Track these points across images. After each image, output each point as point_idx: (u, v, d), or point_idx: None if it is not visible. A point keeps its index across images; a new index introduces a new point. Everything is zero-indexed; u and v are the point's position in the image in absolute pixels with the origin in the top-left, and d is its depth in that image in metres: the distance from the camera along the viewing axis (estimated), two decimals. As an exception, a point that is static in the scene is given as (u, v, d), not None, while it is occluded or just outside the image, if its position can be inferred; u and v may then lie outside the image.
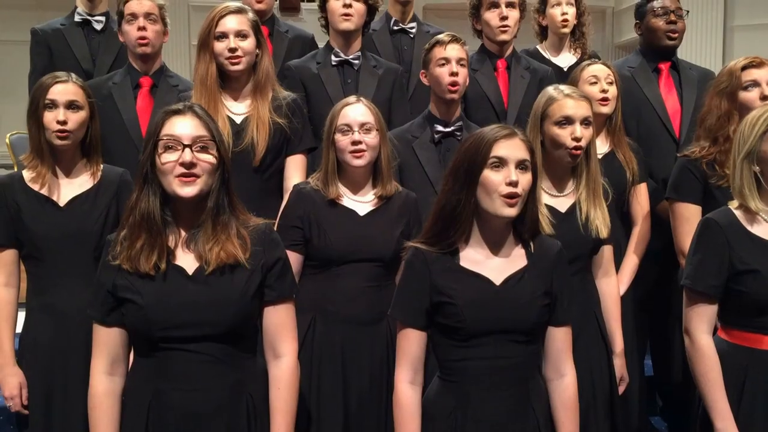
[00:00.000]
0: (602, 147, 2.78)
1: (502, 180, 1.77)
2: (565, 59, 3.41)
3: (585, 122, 2.28)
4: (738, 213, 2.04)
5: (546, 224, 2.26)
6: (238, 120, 2.52)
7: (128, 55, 2.90)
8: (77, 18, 3.31)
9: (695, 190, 2.53)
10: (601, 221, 2.33)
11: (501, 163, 1.78)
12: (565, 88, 2.35)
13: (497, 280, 1.84)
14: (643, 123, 3.06)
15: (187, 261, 1.75)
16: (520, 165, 1.79)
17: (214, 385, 1.73)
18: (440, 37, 2.70)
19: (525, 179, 1.79)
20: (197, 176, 1.71)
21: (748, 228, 2.01)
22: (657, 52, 3.13)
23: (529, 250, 1.89)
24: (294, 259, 2.30)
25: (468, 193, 1.80)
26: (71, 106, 2.26)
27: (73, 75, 2.33)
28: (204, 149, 1.73)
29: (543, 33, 3.50)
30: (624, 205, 2.80)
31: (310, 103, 2.89)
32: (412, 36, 3.38)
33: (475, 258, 1.85)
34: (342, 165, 2.34)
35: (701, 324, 2.03)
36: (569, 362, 1.93)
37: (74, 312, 2.20)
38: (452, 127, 2.69)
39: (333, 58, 2.97)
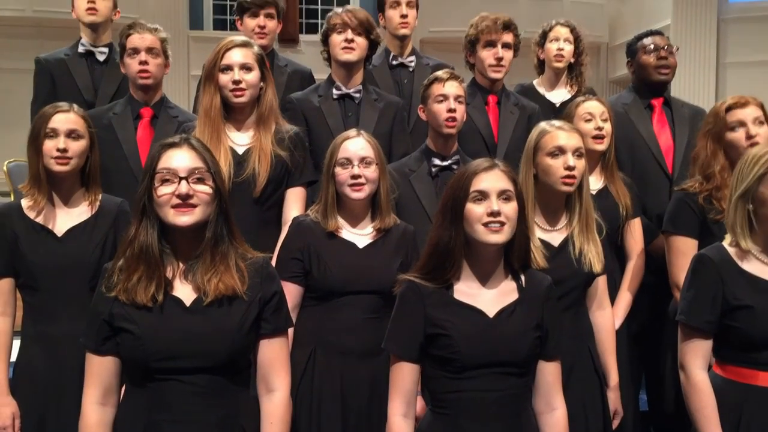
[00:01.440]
0: (596, 183, 2.81)
1: (484, 211, 1.81)
2: (558, 95, 3.46)
3: (577, 153, 2.32)
4: (731, 250, 2.06)
5: (540, 257, 2.29)
6: (241, 151, 2.55)
7: (129, 86, 2.94)
8: (81, 49, 3.36)
9: (692, 223, 2.56)
10: (594, 255, 2.36)
11: (482, 195, 1.83)
12: (557, 122, 2.42)
13: (490, 312, 1.87)
14: (637, 159, 3.10)
15: (184, 292, 1.76)
16: (502, 195, 1.83)
17: (206, 417, 1.73)
18: (439, 74, 2.75)
19: (508, 208, 1.83)
20: (194, 206, 1.73)
21: (741, 265, 2.03)
22: (649, 88, 3.19)
23: (520, 284, 1.92)
24: (294, 291, 2.32)
25: (456, 228, 1.85)
26: (72, 134, 2.29)
27: (75, 105, 2.36)
28: (200, 180, 1.75)
29: (541, 67, 3.55)
30: (618, 240, 2.82)
31: (312, 135, 2.92)
32: (411, 69, 3.44)
33: (468, 291, 1.88)
34: (341, 198, 2.36)
35: (696, 359, 2.04)
36: (560, 396, 1.96)
37: (69, 341, 2.19)
38: (449, 161, 2.73)
39: (334, 91, 3.01)
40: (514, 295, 1.90)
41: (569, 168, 2.29)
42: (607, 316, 2.49)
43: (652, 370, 3.07)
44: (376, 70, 3.38)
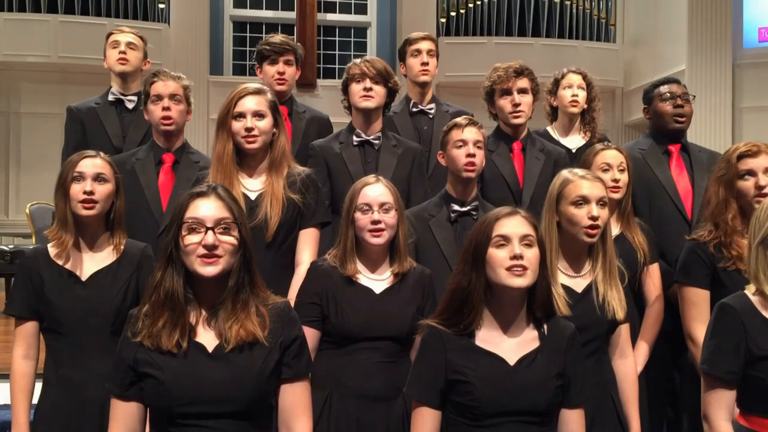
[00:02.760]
0: (613, 230, 2.80)
1: (507, 255, 1.84)
2: (573, 141, 3.49)
3: (601, 203, 2.32)
4: (754, 298, 2.05)
5: (563, 305, 2.28)
6: (253, 196, 2.58)
7: (152, 132, 3.00)
8: (111, 97, 3.45)
9: (703, 274, 2.56)
10: (617, 302, 2.35)
11: (505, 240, 1.86)
12: (579, 171, 2.42)
13: (511, 360, 1.87)
14: (655, 204, 3.10)
15: (207, 339, 1.78)
16: (524, 240, 1.86)
17: None
18: (458, 120, 2.79)
19: (530, 253, 1.85)
20: (219, 257, 1.76)
21: (764, 313, 2.02)
22: (666, 135, 3.20)
23: (542, 331, 1.93)
24: (311, 335, 2.33)
25: (477, 274, 1.87)
26: (98, 178, 2.33)
27: (101, 152, 2.41)
28: (226, 231, 1.78)
29: (554, 114, 3.59)
30: (636, 286, 2.81)
31: (333, 181, 2.99)
32: (431, 116, 3.49)
33: (490, 338, 1.89)
34: (360, 243, 2.38)
35: (719, 410, 2.02)
36: None
37: (90, 385, 2.22)
38: (468, 207, 2.74)
39: (354, 138, 3.06)
40: (535, 343, 1.91)
41: (593, 218, 2.29)
42: (630, 365, 2.47)
43: (673, 418, 3.03)
44: (397, 116, 3.43)
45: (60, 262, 2.33)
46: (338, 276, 2.36)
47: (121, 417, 1.79)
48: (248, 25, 11.51)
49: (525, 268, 1.84)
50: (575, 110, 3.47)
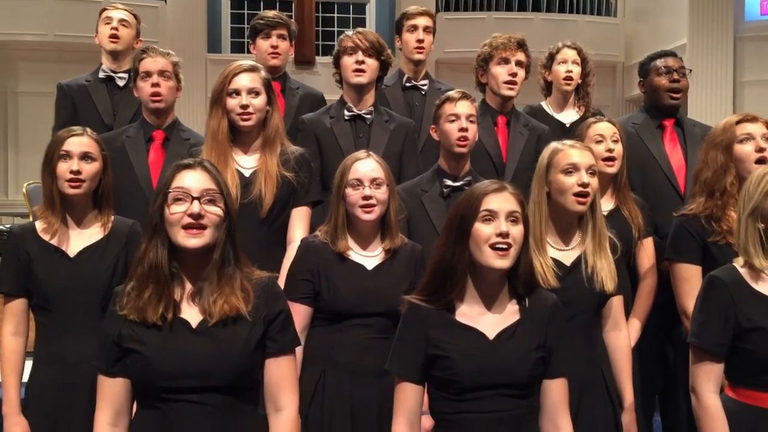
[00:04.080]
0: (607, 204, 2.80)
1: (493, 232, 1.82)
2: (568, 116, 3.46)
3: (590, 171, 2.31)
4: (743, 270, 2.04)
5: (551, 277, 2.28)
6: (247, 173, 2.57)
7: (142, 110, 2.98)
8: (101, 74, 3.42)
9: (693, 250, 2.55)
10: (606, 274, 2.34)
11: (492, 215, 1.84)
12: (568, 141, 2.42)
13: (491, 334, 1.87)
14: (648, 179, 3.08)
15: (191, 314, 1.78)
16: (511, 216, 1.84)
17: None
18: (451, 93, 2.76)
19: (516, 230, 1.84)
20: (204, 227, 1.75)
21: (754, 285, 2.02)
22: (660, 109, 3.18)
23: (524, 304, 1.92)
24: (303, 311, 2.34)
25: (461, 248, 1.85)
26: (85, 157, 2.32)
27: (89, 129, 2.40)
28: (212, 202, 1.77)
29: (548, 89, 3.56)
30: (630, 260, 2.80)
31: (323, 156, 2.95)
32: (423, 93, 3.46)
33: (470, 313, 1.89)
34: (351, 219, 2.37)
35: (708, 383, 2.02)
36: (565, 416, 1.95)
37: (80, 362, 2.22)
38: (461, 182, 2.73)
39: (346, 112, 3.03)
40: (516, 316, 1.91)
41: (583, 185, 2.28)
42: (623, 337, 2.46)
43: (666, 392, 3.04)
44: (389, 90, 3.41)
45: (47, 239, 2.33)
46: (329, 252, 2.35)
47: (108, 394, 1.79)
48: (246, 2, 11.44)
49: (509, 246, 1.82)
50: (569, 87, 3.45)
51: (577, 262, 2.35)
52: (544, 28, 10.87)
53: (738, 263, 2.07)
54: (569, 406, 2.25)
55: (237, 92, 2.54)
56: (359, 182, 2.33)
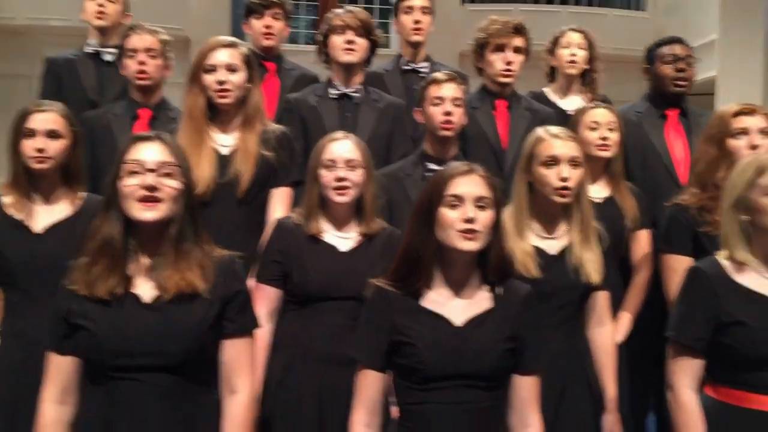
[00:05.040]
0: (601, 192, 2.72)
1: (459, 217, 1.73)
2: (571, 102, 3.34)
3: (573, 162, 2.22)
4: (726, 263, 1.95)
5: (533, 267, 2.20)
6: (225, 152, 2.51)
7: (129, 88, 2.94)
8: (88, 49, 3.37)
9: (685, 241, 2.45)
10: (592, 266, 2.26)
11: (458, 200, 1.75)
12: (553, 129, 2.32)
13: (458, 321, 1.79)
14: (648, 170, 2.98)
15: (145, 289, 1.73)
16: (479, 202, 1.75)
17: (164, 418, 1.69)
18: (436, 75, 2.69)
19: (484, 216, 1.75)
20: (159, 200, 1.70)
21: (736, 279, 1.92)
22: (664, 99, 3.07)
23: (496, 294, 1.83)
24: (273, 294, 2.28)
25: (428, 233, 1.77)
26: (51, 134, 2.27)
27: (58, 104, 2.35)
28: (168, 175, 1.72)
29: (552, 74, 3.45)
30: (622, 252, 2.71)
31: (308, 135, 2.87)
32: (423, 76, 3.37)
33: (438, 299, 1.81)
34: (326, 200, 2.31)
35: (685, 378, 1.93)
36: (535, 413, 1.86)
37: (43, 337, 2.18)
38: (445, 166, 2.65)
39: (332, 91, 2.96)
40: (487, 304, 1.82)
41: (563, 179, 2.20)
42: (607, 334, 2.37)
43: (660, 390, 2.93)
44: (387, 74, 3.33)
45: (13, 214, 2.29)
46: (302, 234, 2.29)
47: (55, 372, 1.74)
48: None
49: (476, 232, 1.74)
50: (573, 71, 3.33)
51: (563, 252, 2.26)
52: (572, 21, 10.55)
53: (721, 255, 1.98)
54: (550, 402, 2.20)
55: (214, 68, 2.48)
56: (333, 163, 2.26)
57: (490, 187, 1.79)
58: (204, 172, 2.42)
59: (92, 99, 3.19)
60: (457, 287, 1.82)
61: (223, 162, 2.49)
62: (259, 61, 3.26)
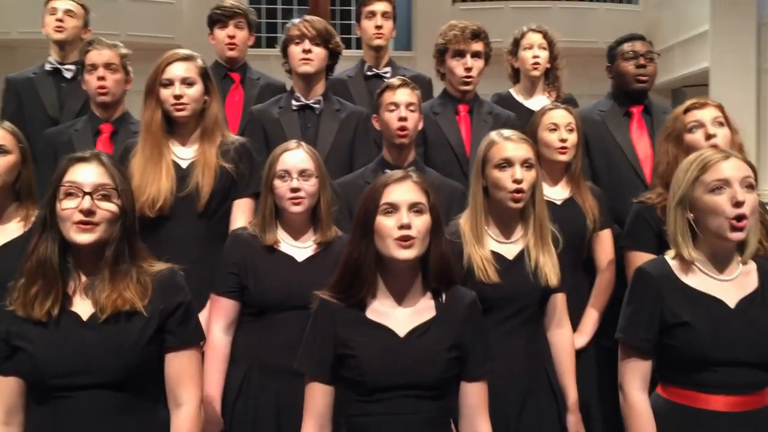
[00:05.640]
0: (561, 193, 2.72)
1: (395, 224, 1.74)
2: (537, 102, 3.34)
3: (526, 164, 2.22)
4: (673, 263, 1.95)
5: (492, 272, 2.20)
6: (184, 165, 2.52)
7: (90, 103, 2.95)
8: (48, 67, 3.39)
9: (649, 238, 2.44)
10: (550, 268, 2.26)
11: (393, 208, 1.76)
12: (506, 132, 2.32)
13: (402, 332, 1.79)
14: (613, 168, 2.97)
15: (83, 308, 1.74)
16: (413, 208, 1.76)
17: None
18: (391, 81, 2.69)
19: (420, 221, 1.76)
20: (96, 224, 1.71)
21: (682, 278, 1.92)
22: (628, 96, 3.06)
23: (440, 301, 1.83)
24: (230, 306, 2.28)
25: (367, 243, 1.78)
26: None
27: (6, 123, 2.35)
28: (106, 197, 1.73)
29: (515, 76, 3.46)
30: (584, 253, 2.70)
31: (270, 147, 2.85)
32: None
33: (382, 309, 1.81)
34: (281, 211, 2.31)
35: (634, 379, 1.93)
36: (484, 420, 1.86)
37: None
38: None
39: (293, 102, 2.96)
40: (431, 313, 1.82)
41: (517, 181, 2.20)
42: (566, 335, 2.37)
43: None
44: (351, 81, 3.35)
45: None
46: (258, 245, 2.29)
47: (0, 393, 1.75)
48: (264, -2, 11.46)
49: (412, 238, 1.74)
50: (537, 73, 3.35)
51: (520, 256, 2.26)
52: (563, 16, 10.70)
53: (669, 255, 1.97)
54: (514, 405, 2.21)
55: (170, 82, 2.48)
56: (287, 173, 2.26)
57: (425, 193, 1.80)
58: (162, 186, 2.43)
59: (52, 116, 3.21)
60: (400, 296, 1.82)
61: (182, 175, 2.49)
62: (225, 72, 3.29)
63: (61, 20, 3.35)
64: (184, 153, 2.54)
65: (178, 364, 1.80)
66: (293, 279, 2.25)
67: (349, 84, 3.31)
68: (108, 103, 2.89)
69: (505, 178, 2.21)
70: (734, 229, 1.84)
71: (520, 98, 3.40)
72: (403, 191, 1.78)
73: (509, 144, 2.25)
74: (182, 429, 1.78)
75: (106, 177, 1.74)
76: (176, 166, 2.50)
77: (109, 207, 1.73)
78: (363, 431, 1.77)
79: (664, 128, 2.54)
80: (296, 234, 2.32)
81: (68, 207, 1.70)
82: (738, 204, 1.83)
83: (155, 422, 1.78)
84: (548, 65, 3.37)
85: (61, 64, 3.39)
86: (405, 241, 1.74)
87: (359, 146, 2.98)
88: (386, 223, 1.75)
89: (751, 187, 1.87)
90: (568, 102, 3.33)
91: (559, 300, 2.34)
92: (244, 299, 2.29)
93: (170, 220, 2.45)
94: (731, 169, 1.86)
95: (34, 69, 3.45)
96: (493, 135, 2.32)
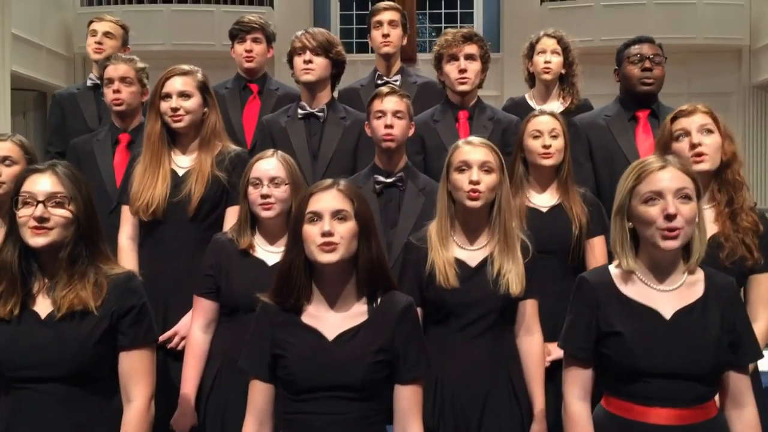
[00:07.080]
0: (550, 200, 2.69)
1: (318, 232, 1.82)
2: (551, 107, 3.29)
3: (485, 168, 2.26)
4: (615, 272, 1.92)
5: (452, 277, 2.24)
6: (181, 173, 2.68)
7: (111, 114, 3.18)
8: (89, 83, 3.70)
9: None
10: (514, 276, 2.26)
11: (316, 216, 1.84)
12: (471, 137, 2.38)
13: (331, 335, 1.87)
14: (615, 174, 2.86)
15: (43, 307, 1.91)
16: (336, 215, 1.83)
17: (59, 425, 1.86)
18: (381, 89, 2.75)
19: (343, 228, 1.83)
20: (49, 229, 1.87)
21: (621, 288, 1.89)
22: (634, 100, 2.99)
23: (373, 305, 1.89)
24: (207, 306, 2.42)
25: (297, 249, 1.87)
26: (5, 161, 2.51)
27: (18, 136, 2.59)
28: (59, 204, 1.89)
29: (531, 80, 3.43)
30: (571, 260, 2.66)
31: None
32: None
33: (315, 314, 1.90)
34: (257, 216, 2.43)
35: (573, 388, 1.93)
36: (416, 422, 1.91)
37: None
38: (393, 178, 2.71)
39: (299, 111, 3.08)
40: (361, 318, 1.89)
41: (473, 182, 2.23)
42: (535, 342, 2.35)
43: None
44: (363, 89, 3.43)
45: None
46: (233, 249, 2.41)
47: None
48: (354, 3, 11.66)
49: (334, 244, 1.82)
50: (548, 77, 3.32)
51: (483, 263, 2.28)
52: (660, 12, 10.27)
53: (613, 264, 1.94)
54: (475, 409, 2.23)
55: (169, 95, 2.66)
56: (259, 180, 2.38)
57: (350, 200, 1.86)
58: (157, 192, 2.60)
59: (92, 128, 3.47)
60: (333, 301, 1.90)
61: (178, 182, 2.65)
62: (244, 83, 3.46)
63: (100, 42, 3.65)
64: (182, 161, 2.71)
65: (129, 363, 1.95)
66: (261, 282, 2.32)
67: (361, 92, 3.39)
68: (124, 114, 3.09)
69: (462, 179, 2.26)
70: (666, 238, 1.80)
71: (533, 103, 3.38)
72: (327, 199, 1.85)
73: (468, 147, 2.30)
74: (131, 423, 1.93)
75: (58, 186, 1.90)
76: (174, 173, 2.67)
77: (63, 213, 1.89)
78: (296, 428, 1.86)
79: (657, 136, 2.48)
80: (271, 239, 2.42)
81: (24, 214, 1.88)
82: (669, 217, 1.79)
83: (107, 413, 1.93)
84: (563, 71, 3.32)
85: (101, 79, 3.66)
86: (327, 246, 1.81)
87: (363, 153, 3.05)
88: (311, 230, 1.84)
89: (687, 197, 1.83)
90: (583, 108, 3.28)
91: (529, 307, 2.33)
92: (219, 300, 2.42)
93: (164, 224, 2.62)
94: (666, 180, 1.83)
95: (78, 85, 3.78)
96: (459, 141, 2.37)
